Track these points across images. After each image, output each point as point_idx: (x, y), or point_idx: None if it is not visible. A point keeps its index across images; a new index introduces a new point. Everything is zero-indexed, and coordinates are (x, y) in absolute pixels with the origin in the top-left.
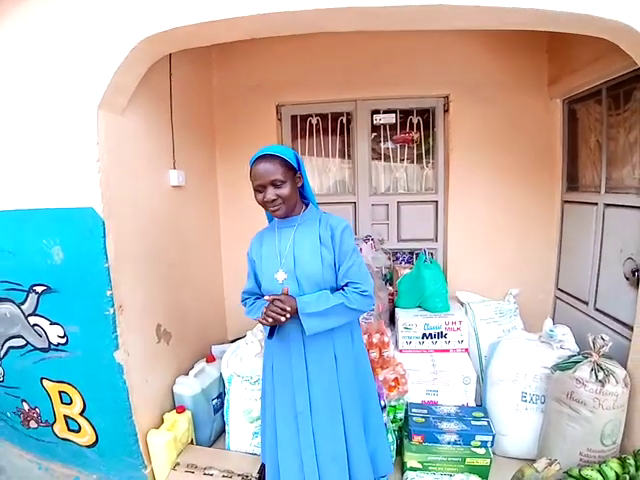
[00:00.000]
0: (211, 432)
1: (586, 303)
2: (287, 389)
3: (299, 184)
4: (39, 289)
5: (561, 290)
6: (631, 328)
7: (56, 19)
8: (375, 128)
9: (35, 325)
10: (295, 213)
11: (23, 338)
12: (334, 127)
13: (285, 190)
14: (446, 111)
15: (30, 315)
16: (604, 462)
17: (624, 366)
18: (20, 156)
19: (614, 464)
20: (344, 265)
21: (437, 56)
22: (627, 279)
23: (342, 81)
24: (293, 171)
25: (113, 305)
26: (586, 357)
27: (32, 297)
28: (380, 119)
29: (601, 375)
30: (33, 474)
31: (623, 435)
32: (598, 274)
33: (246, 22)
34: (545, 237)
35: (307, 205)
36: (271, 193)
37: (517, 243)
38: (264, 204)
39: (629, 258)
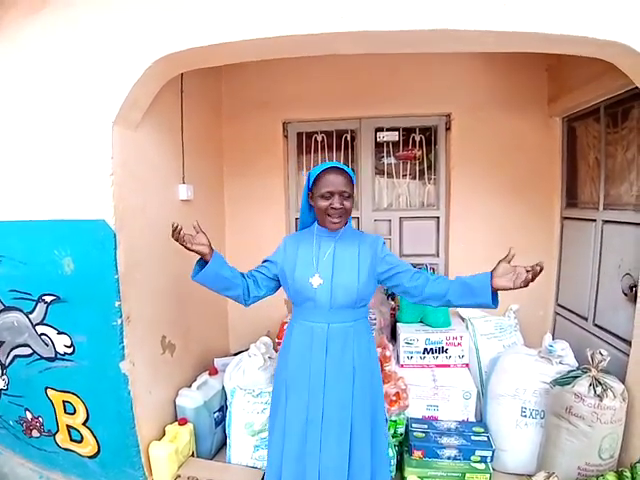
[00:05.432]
0: (212, 445)
1: (585, 319)
2: (301, 395)
3: None
4: (48, 299)
5: (561, 306)
6: (629, 343)
7: (74, 38)
8: (378, 145)
9: (42, 334)
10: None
11: (30, 347)
12: (339, 144)
13: (349, 204)
14: (448, 129)
15: (38, 324)
16: (601, 475)
17: (622, 381)
18: (35, 168)
19: (611, 477)
20: (402, 266)
21: (439, 75)
22: (625, 295)
23: (347, 100)
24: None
25: (121, 316)
26: (585, 372)
27: (41, 306)
28: (383, 137)
29: (599, 390)
30: None
31: (621, 449)
32: (597, 290)
33: (256, 44)
34: (545, 253)
35: (346, 222)
36: (339, 202)
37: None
38: (326, 211)
39: (627, 274)
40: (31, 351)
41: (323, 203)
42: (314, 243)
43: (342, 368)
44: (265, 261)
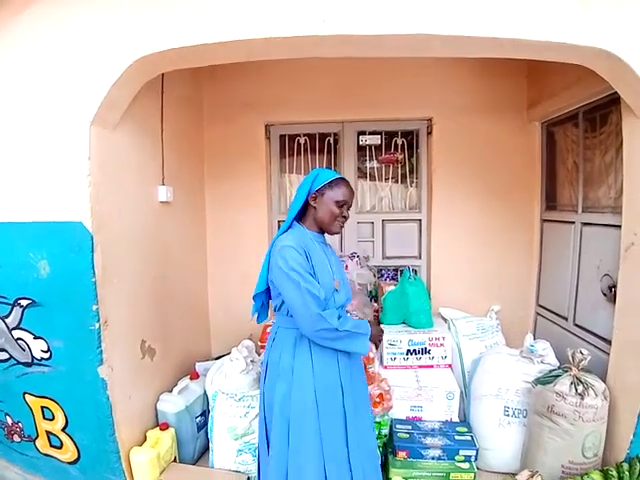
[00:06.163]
0: (194, 450)
1: (565, 319)
2: (336, 395)
3: None
4: (24, 303)
5: (541, 306)
6: (609, 342)
7: (53, 37)
8: (361, 148)
9: (19, 339)
10: None
11: (6, 352)
12: (321, 147)
13: (348, 215)
14: (429, 133)
15: (14, 329)
16: (586, 474)
17: (603, 379)
18: (10, 168)
19: (596, 475)
20: None
21: (421, 80)
22: (604, 295)
23: (330, 103)
24: None
25: (99, 320)
26: (566, 371)
27: (17, 310)
28: (366, 140)
29: (580, 388)
30: None
31: (604, 447)
32: (577, 290)
33: (237, 46)
34: (525, 255)
35: None
36: (347, 212)
37: (498, 261)
38: (335, 218)
39: (606, 274)
40: (8, 356)
41: (336, 209)
42: (319, 249)
43: (357, 363)
44: (309, 274)
